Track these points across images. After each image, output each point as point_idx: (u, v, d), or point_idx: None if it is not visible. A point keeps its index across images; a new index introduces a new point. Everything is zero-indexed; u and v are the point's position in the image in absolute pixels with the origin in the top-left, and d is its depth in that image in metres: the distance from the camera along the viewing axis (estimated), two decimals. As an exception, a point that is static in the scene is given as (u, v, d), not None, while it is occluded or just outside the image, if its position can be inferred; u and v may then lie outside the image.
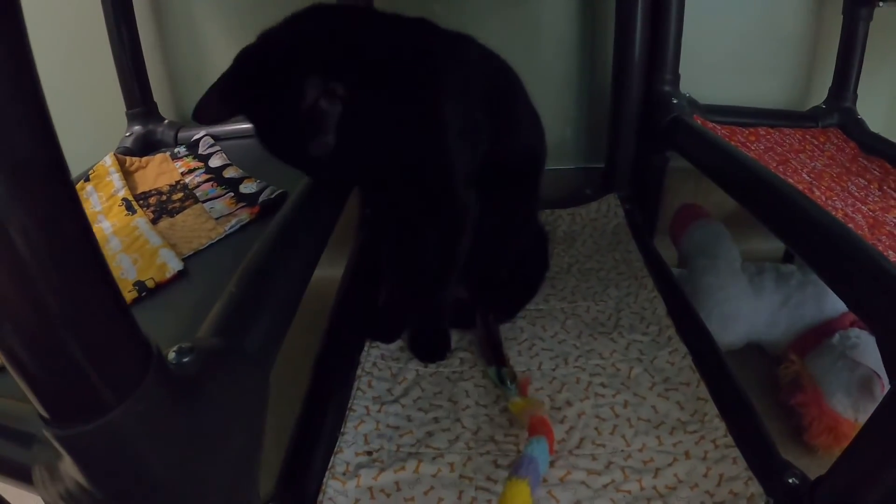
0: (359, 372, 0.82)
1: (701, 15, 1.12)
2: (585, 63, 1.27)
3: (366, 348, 0.86)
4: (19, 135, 0.28)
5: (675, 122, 1.08)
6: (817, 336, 0.99)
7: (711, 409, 0.72)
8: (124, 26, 1.14)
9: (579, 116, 1.31)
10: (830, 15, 1.24)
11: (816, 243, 0.70)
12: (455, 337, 0.89)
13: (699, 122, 1.08)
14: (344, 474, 0.67)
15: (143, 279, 0.71)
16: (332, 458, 0.69)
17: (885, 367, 0.62)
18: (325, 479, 0.66)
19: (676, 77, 1.13)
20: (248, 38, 1.24)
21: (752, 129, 1.15)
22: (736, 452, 0.66)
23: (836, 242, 0.66)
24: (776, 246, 1.31)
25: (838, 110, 1.24)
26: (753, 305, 1.03)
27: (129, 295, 0.69)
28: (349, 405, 0.77)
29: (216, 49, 1.28)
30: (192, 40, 1.27)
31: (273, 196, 0.87)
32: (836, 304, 1.02)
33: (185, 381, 0.41)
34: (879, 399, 0.87)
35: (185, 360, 0.43)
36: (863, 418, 0.88)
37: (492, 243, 0.84)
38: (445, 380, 0.82)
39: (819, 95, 1.29)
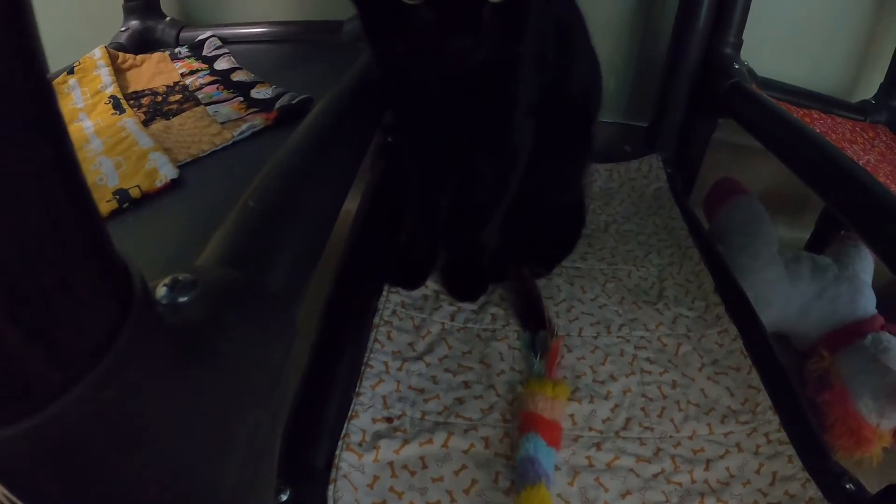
0: (376, 321, 0.65)
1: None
2: (642, 11, 1.08)
3: (384, 294, 0.68)
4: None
5: (734, 87, 0.91)
6: (849, 335, 0.88)
7: (764, 399, 0.62)
8: None
9: (627, 69, 1.12)
10: (893, 9, 1.09)
11: (889, 230, 0.61)
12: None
13: (759, 91, 0.92)
14: (360, 445, 0.51)
15: (126, 187, 0.53)
16: (345, 425, 0.53)
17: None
18: (337, 451, 0.50)
19: (740, 42, 0.96)
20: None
21: (806, 111, 0.99)
22: (791, 450, 0.57)
23: None
24: (801, 236, 1.18)
25: (887, 108, 1.09)
26: (788, 293, 0.91)
27: (105, 206, 0.51)
28: (365, 360, 0.60)
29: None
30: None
31: (294, 102, 0.68)
32: (868, 304, 0.92)
33: (181, 334, 0.23)
34: None
35: (183, 299, 0.26)
36: (886, 424, 0.81)
37: (536, 189, 0.68)
38: (476, 337, 0.66)
39: (866, 89, 1.14)
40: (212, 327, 0.25)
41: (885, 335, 0.87)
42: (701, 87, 0.97)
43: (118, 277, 0.19)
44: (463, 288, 0.71)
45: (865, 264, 0.94)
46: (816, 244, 1.14)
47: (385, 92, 0.61)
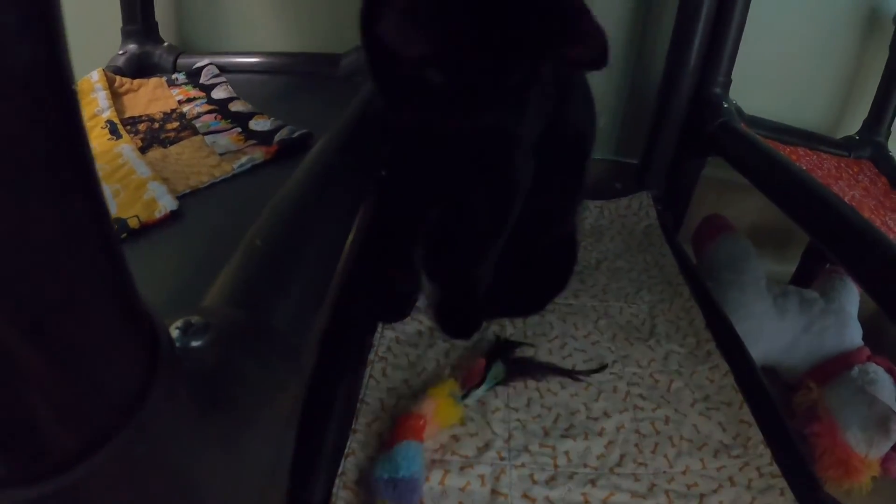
0: (371, 357, 0.65)
1: (751, 26, 0.99)
2: (633, 53, 1.12)
3: (379, 330, 0.69)
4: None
5: (723, 126, 0.95)
6: (836, 367, 0.91)
7: (756, 433, 0.63)
8: None
9: (618, 107, 1.16)
10: (875, 48, 1.14)
11: (873, 263, 0.64)
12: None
13: (747, 130, 0.95)
14: (357, 483, 0.51)
15: (124, 216, 0.53)
16: (342, 462, 0.53)
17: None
18: (334, 489, 0.50)
19: (728, 81, 1.00)
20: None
21: (792, 148, 1.03)
22: (783, 483, 0.58)
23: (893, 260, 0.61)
24: (787, 269, 1.21)
25: (871, 144, 1.14)
26: (776, 327, 0.94)
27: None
28: (361, 396, 0.60)
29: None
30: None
31: (294, 136, 0.69)
32: (854, 336, 0.95)
33: (198, 380, 0.24)
34: (893, 437, 0.81)
35: (196, 343, 0.26)
36: (874, 454, 0.83)
37: (530, 226, 0.69)
38: (471, 375, 0.66)
39: (850, 125, 1.19)
40: (226, 372, 0.26)
41: (872, 366, 0.90)
42: (690, 126, 1.00)
43: (146, 331, 0.19)
44: (457, 326, 0.71)
45: (851, 297, 0.98)
46: (802, 277, 1.17)
47: (385, 127, 0.62)
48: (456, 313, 0.72)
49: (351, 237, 0.79)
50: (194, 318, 0.27)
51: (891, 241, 0.64)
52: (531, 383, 0.66)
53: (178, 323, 0.26)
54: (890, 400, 0.84)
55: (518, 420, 0.62)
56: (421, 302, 0.75)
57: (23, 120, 0.14)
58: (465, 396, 0.61)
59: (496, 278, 0.73)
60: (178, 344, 0.25)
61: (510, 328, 0.74)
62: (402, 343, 0.69)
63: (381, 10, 0.44)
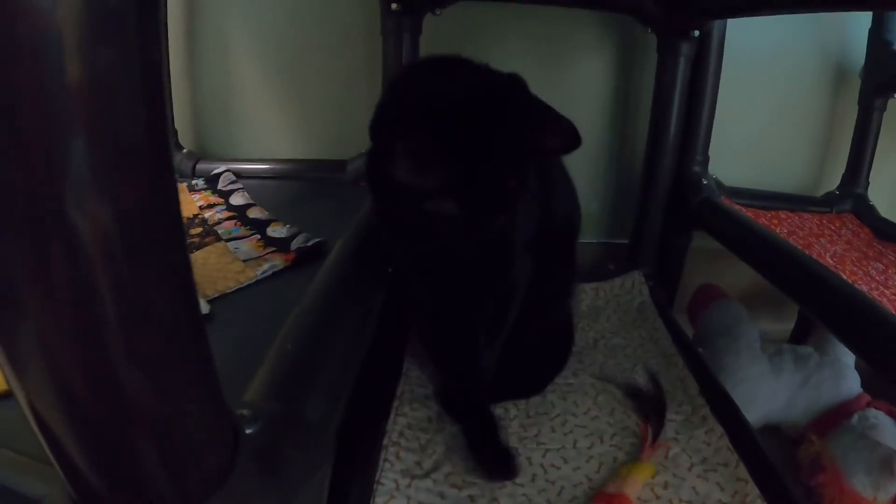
0: (385, 442, 0.73)
1: (724, 98, 1.12)
2: (616, 139, 1.26)
3: (392, 416, 0.77)
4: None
5: (705, 202, 1.06)
6: (836, 417, 0.97)
7: (752, 489, 0.68)
8: None
9: (606, 191, 1.29)
10: (845, 104, 1.27)
11: (857, 324, 0.71)
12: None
13: (727, 203, 1.06)
14: (376, 559, 0.58)
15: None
16: (362, 539, 0.60)
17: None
18: (355, 565, 0.57)
19: (706, 159, 1.12)
20: (282, 79, 1.22)
21: (773, 213, 1.13)
22: None
23: (876, 321, 0.68)
24: (785, 327, 1.29)
25: (851, 196, 1.24)
26: (773, 386, 1.01)
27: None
28: (377, 478, 0.68)
29: (247, 85, 1.22)
30: (224, 72, 1.21)
31: (310, 244, 0.80)
32: (852, 386, 1.02)
33: (255, 460, 0.33)
34: None
35: (249, 431, 0.35)
36: (883, 497, 0.88)
37: (529, 314, 0.78)
38: (478, 454, 0.74)
39: (831, 181, 1.29)
40: (273, 453, 0.35)
41: (872, 412, 0.95)
42: (674, 205, 1.11)
43: (230, 418, 0.29)
44: (462, 411, 0.78)
45: (846, 348, 1.04)
46: (800, 333, 1.25)
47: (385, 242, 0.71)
48: (461, 400, 0.79)
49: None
50: (246, 411, 0.37)
51: (869, 300, 0.72)
52: (535, 458, 0.73)
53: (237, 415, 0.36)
54: (893, 442, 0.89)
55: (524, 495, 0.68)
56: (429, 389, 0.83)
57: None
58: None
59: (499, 363, 0.81)
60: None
61: (514, 410, 0.81)
62: (413, 428, 0.76)
63: (388, 156, 0.54)
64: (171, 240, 0.25)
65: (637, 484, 0.68)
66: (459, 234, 0.58)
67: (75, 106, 0.20)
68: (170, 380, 0.25)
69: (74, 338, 0.21)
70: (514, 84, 0.58)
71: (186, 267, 0.26)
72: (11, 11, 0.18)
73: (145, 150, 0.23)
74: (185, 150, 1.18)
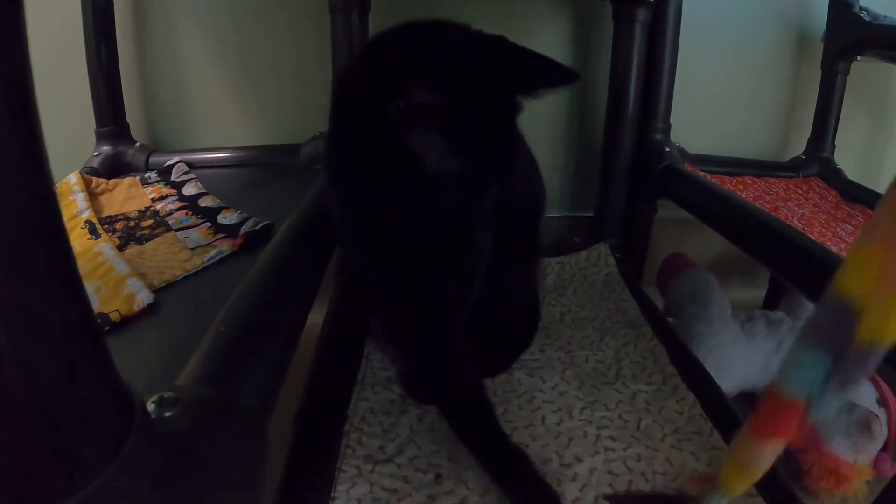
0: (347, 427, 0.71)
1: (686, 68, 1.11)
2: (576, 112, 1.24)
3: (353, 401, 0.75)
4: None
5: (667, 169, 1.05)
6: None
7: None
8: (104, 39, 1.05)
9: (567, 164, 1.27)
10: (808, 69, 1.27)
11: (824, 280, 0.68)
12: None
13: (690, 170, 1.05)
14: (336, 548, 0.56)
15: (106, 311, 0.60)
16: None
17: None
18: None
19: (668, 126, 1.11)
20: (231, 67, 1.18)
21: (739, 178, 1.13)
22: (761, 501, 0.61)
23: None
24: (756, 294, 1.29)
25: (818, 160, 1.25)
26: (746, 352, 1.00)
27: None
28: (338, 465, 0.65)
29: (196, 75, 1.19)
30: (173, 63, 1.18)
31: (258, 227, 0.77)
32: None
33: (169, 443, 0.30)
34: (878, 438, 0.88)
35: (168, 413, 0.33)
36: (863, 458, 0.89)
37: (492, 291, 0.76)
38: (443, 436, 0.71)
39: (797, 146, 1.30)
40: (194, 437, 0.33)
41: None
42: (637, 174, 1.10)
43: (123, 400, 0.27)
44: (427, 391, 0.75)
45: None
46: (771, 300, 1.25)
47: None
48: (426, 379, 0.77)
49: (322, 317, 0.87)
50: (167, 394, 0.34)
51: (840, 259, 0.71)
52: (503, 437, 0.72)
53: (154, 397, 0.33)
54: (871, 405, 0.89)
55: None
56: (391, 372, 0.81)
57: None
58: None
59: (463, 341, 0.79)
60: (154, 415, 0.32)
61: (481, 388, 0.79)
62: (376, 412, 0.74)
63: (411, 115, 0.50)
64: (46, 227, 0.23)
65: None
66: (459, 199, 0.56)
67: None
68: (44, 354, 0.23)
69: None
70: (505, 39, 0.58)
71: (67, 256, 0.24)
72: None
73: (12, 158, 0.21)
74: (137, 144, 1.15)
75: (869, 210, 1.11)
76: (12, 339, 0.21)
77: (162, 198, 0.98)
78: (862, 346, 0.43)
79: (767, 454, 0.51)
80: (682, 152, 1.12)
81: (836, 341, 0.45)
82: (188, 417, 0.33)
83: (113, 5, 1.06)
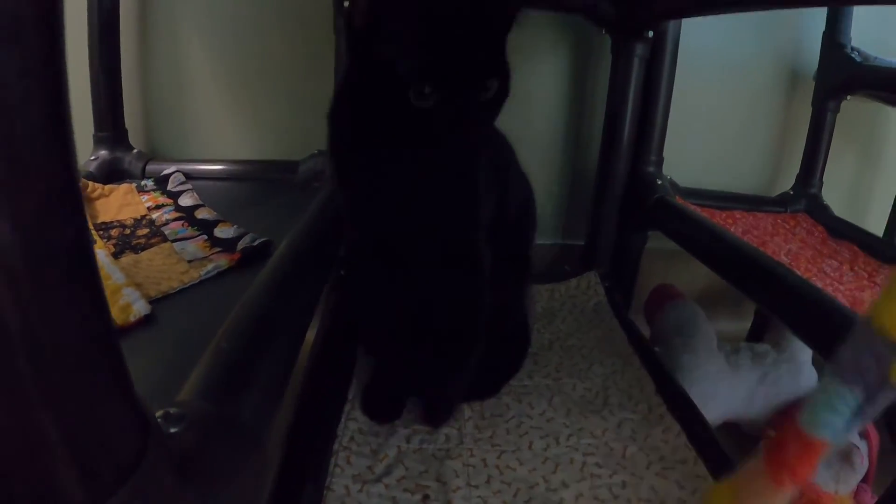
0: (336, 446, 0.72)
1: (679, 101, 1.15)
2: (571, 141, 1.27)
3: (342, 421, 0.76)
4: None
5: (659, 202, 1.08)
6: (794, 412, 0.97)
7: (711, 485, 0.69)
8: (107, 43, 1.06)
9: (561, 193, 1.30)
10: (799, 106, 1.31)
11: (812, 318, 0.73)
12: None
13: (681, 203, 1.09)
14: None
15: (101, 322, 0.61)
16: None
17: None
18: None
19: (660, 159, 1.14)
20: (232, 80, 1.20)
21: (728, 212, 1.16)
22: None
23: (831, 315, 0.70)
24: (743, 326, 1.32)
25: (805, 196, 1.29)
26: (731, 383, 1.03)
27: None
28: (327, 484, 0.67)
29: (198, 85, 1.21)
30: (175, 72, 1.20)
31: (255, 244, 0.78)
32: (809, 381, 1.05)
33: (177, 458, 0.32)
34: (859, 470, 0.90)
35: (175, 429, 0.34)
36: (844, 489, 0.90)
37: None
38: (431, 457, 0.73)
39: (786, 181, 1.34)
40: (199, 452, 0.34)
41: None
42: (629, 205, 1.13)
43: (140, 416, 0.28)
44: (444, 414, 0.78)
45: (802, 344, 1.05)
46: (757, 332, 1.28)
47: (348, 226, 0.70)
48: (445, 403, 0.79)
49: (313, 335, 0.88)
50: (173, 410, 0.36)
51: (823, 294, 0.75)
52: (490, 460, 0.73)
53: (160, 413, 0.35)
54: (854, 435, 0.90)
55: (479, 497, 0.68)
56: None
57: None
58: None
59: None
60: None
61: (468, 411, 0.81)
62: (365, 433, 0.75)
63: (379, 31, 0.54)
64: (76, 251, 0.25)
65: None
66: (439, 125, 0.56)
67: None
68: (72, 364, 0.25)
69: None
70: None
71: (94, 275, 0.25)
72: None
73: (44, 161, 0.23)
74: (134, 151, 1.16)
75: (854, 246, 1.14)
76: (35, 357, 0.23)
77: (158, 207, 0.99)
78: None
79: (782, 499, 0.50)
80: (674, 185, 1.15)
81: (871, 378, 0.44)
82: (194, 433, 0.34)
83: (118, 10, 1.07)
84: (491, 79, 0.55)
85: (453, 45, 0.53)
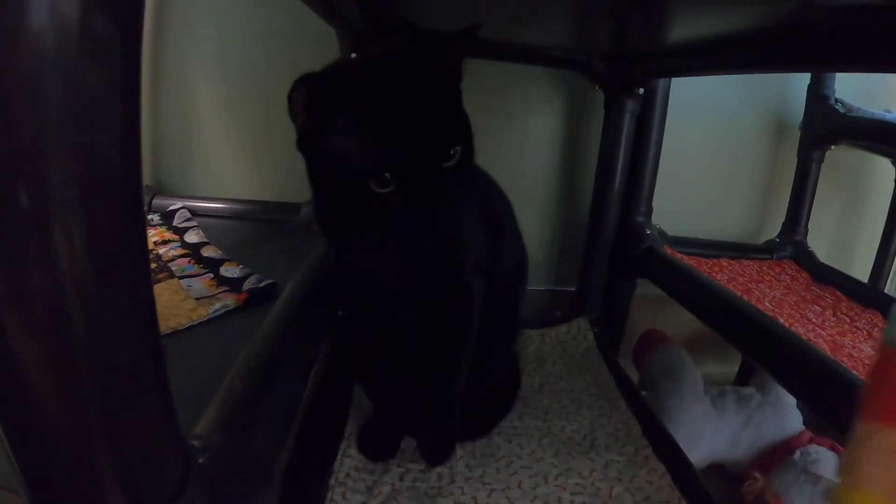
0: (332, 482, 0.75)
1: (668, 150, 1.20)
2: (563, 190, 1.33)
3: (339, 457, 0.79)
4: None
5: (647, 251, 1.13)
6: (778, 454, 1.03)
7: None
8: None
9: (553, 240, 1.35)
10: (785, 155, 1.36)
11: (793, 366, 0.77)
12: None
13: (669, 252, 1.14)
14: None
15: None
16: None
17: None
18: None
19: (650, 210, 1.20)
20: (239, 119, 1.25)
21: (715, 260, 1.21)
22: None
23: (810, 363, 0.74)
24: (730, 370, 1.35)
25: (791, 243, 1.33)
26: (716, 426, 1.06)
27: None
28: (323, 517, 0.70)
29: (206, 123, 1.25)
30: (184, 109, 1.24)
31: (262, 285, 0.82)
32: (794, 423, 1.08)
33: (212, 488, 0.36)
34: None
35: (201, 460, 0.38)
36: None
37: (475, 360, 0.80)
38: (423, 495, 0.76)
39: (772, 228, 1.38)
40: (222, 481, 0.38)
41: (813, 447, 1.00)
42: (619, 254, 1.18)
43: (183, 444, 0.32)
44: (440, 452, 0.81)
45: None
46: (744, 375, 1.30)
47: (340, 272, 0.74)
48: (440, 440, 0.81)
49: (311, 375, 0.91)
50: (196, 442, 0.39)
51: (804, 343, 0.79)
52: (481, 498, 0.76)
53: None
54: (835, 476, 0.93)
55: None
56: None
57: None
58: None
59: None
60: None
61: (460, 451, 0.84)
62: (360, 470, 0.78)
63: (326, 128, 0.53)
64: (138, 267, 0.28)
65: None
66: (406, 215, 0.55)
67: (64, 129, 0.22)
68: (130, 401, 0.28)
69: (44, 355, 0.24)
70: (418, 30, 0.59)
71: (149, 294, 0.29)
72: (7, 36, 0.21)
73: (122, 175, 0.26)
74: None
75: (838, 292, 1.18)
76: (98, 382, 0.26)
77: (164, 242, 1.03)
78: None
79: None
80: (662, 234, 1.21)
81: None
82: (216, 464, 0.38)
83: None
84: (454, 146, 0.54)
85: (407, 128, 0.52)
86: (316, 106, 0.53)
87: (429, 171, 0.53)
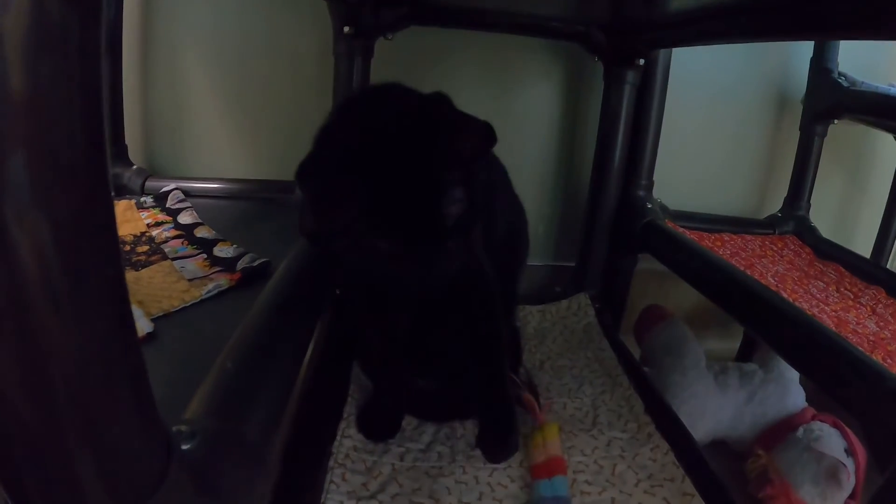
0: (331, 464, 0.74)
1: (669, 125, 1.18)
2: (563, 164, 1.31)
3: (338, 438, 0.78)
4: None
5: (648, 225, 1.12)
6: (782, 431, 1.02)
7: (699, 502, 0.72)
8: (109, 57, 1.08)
9: (553, 215, 1.34)
10: (787, 130, 1.35)
11: (796, 341, 0.77)
12: (431, 430, 0.83)
13: (671, 226, 1.12)
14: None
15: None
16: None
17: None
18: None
19: (651, 183, 1.18)
20: (232, 100, 1.23)
21: (717, 235, 1.20)
22: None
23: (814, 338, 0.74)
24: (732, 346, 1.35)
25: (793, 218, 1.32)
26: (719, 403, 1.06)
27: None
28: (322, 500, 0.69)
29: (198, 103, 1.23)
30: (175, 89, 1.22)
31: (255, 264, 0.81)
32: (797, 400, 1.07)
33: (194, 475, 0.35)
34: (845, 487, 0.93)
35: (186, 446, 0.37)
36: None
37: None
38: (424, 475, 0.75)
39: (775, 203, 1.37)
40: (210, 468, 0.37)
41: (816, 424, 1.00)
42: (619, 228, 1.17)
43: (163, 432, 0.31)
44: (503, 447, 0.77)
45: None
46: (746, 351, 1.30)
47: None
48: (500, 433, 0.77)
49: (308, 355, 0.91)
50: (184, 427, 0.38)
51: (807, 317, 0.78)
52: (482, 477, 0.76)
53: (173, 429, 0.38)
54: (839, 453, 0.94)
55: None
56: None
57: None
58: None
59: (445, 384, 0.83)
60: (176, 448, 0.37)
61: (461, 429, 0.84)
62: (360, 451, 0.78)
63: (332, 231, 0.56)
64: (106, 254, 0.27)
65: (557, 443, 0.78)
66: (409, 269, 0.59)
67: (16, 119, 0.21)
68: (103, 390, 0.27)
69: (12, 350, 0.23)
70: (428, 104, 0.59)
71: (121, 281, 0.28)
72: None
73: (83, 165, 0.25)
74: (134, 167, 1.18)
75: (841, 268, 1.18)
76: (67, 370, 0.25)
77: (157, 224, 1.02)
78: None
79: None
80: (664, 208, 1.19)
81: None
82: (204, 449, 0.37)
83: (122, 28, 1.10)
84: (452, 227, 0.56)
85: (414, 215, 0.55)
86: (322, 213, 0.55)
87: (428, 246, 0.57)
